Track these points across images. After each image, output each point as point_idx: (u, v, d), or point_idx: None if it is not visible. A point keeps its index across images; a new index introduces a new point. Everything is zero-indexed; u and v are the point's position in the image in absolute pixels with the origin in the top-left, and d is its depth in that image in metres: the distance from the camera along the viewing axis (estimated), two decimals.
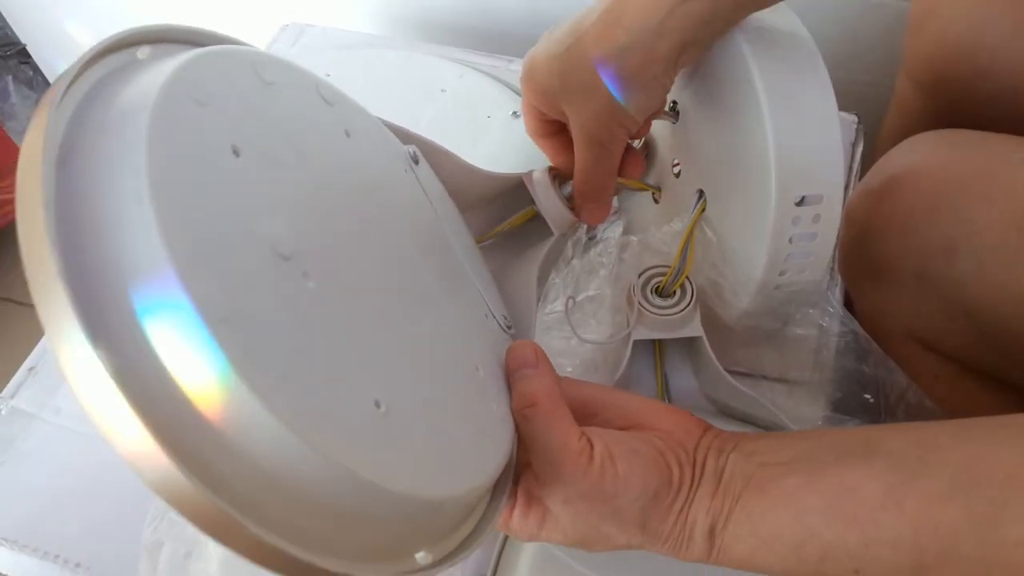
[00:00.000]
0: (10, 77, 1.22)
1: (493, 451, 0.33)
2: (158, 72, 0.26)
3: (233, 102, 0.28)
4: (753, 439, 0.35)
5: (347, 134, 0.35)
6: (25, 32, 1.15)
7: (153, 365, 0.22)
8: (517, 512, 0.35)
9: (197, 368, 0.22)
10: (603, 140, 0.42)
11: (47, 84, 1.23)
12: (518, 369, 0.36)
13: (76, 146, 0.24)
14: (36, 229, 0.22)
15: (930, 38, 0.56)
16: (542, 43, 0.43)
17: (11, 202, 1.12)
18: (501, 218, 0.49)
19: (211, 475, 0.22)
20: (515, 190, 0.47)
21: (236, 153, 0.27)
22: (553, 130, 0.46)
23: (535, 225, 0.48)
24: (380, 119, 0.41)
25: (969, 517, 0.28)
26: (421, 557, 0.28)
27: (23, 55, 1.20)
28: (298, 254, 0.27)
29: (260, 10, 0.97)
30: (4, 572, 0.52)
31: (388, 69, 0.68)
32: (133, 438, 0.21)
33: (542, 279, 0.51)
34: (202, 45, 0.30)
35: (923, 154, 0.51)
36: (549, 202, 0.46)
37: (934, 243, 0.47)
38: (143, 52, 0.29)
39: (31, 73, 1.23)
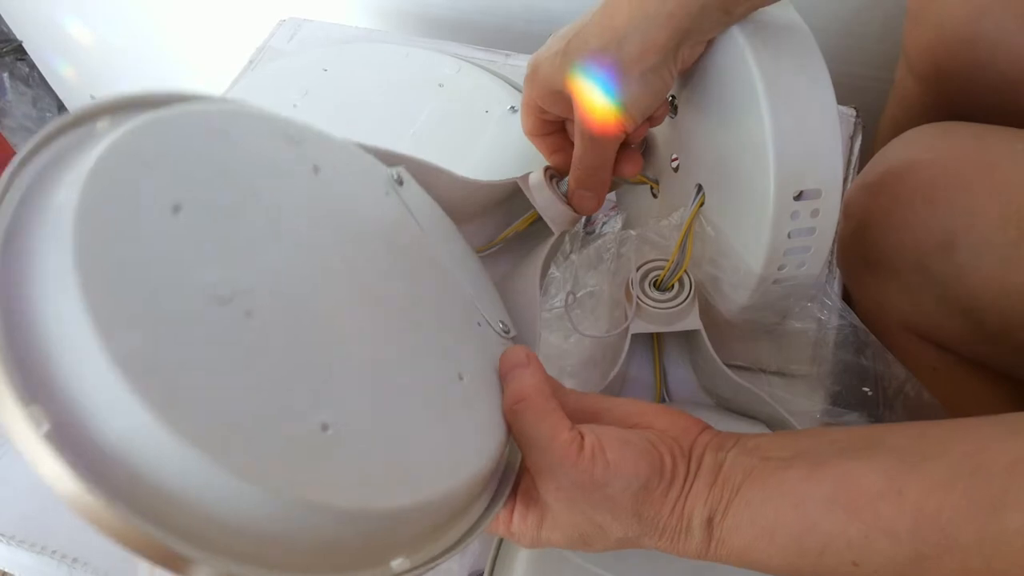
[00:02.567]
0: (6, 74, 1.21)
1: (471, 457, 0.34)
2: (98, 146, 0.28)
3: (177, 161, 0.30)
4: (754, 437, 0.35)
5: (315, 170, 0.36)
6: (21, 29, 1.15)
7: (87, 425, 0.24)
8: (516, 514, 0.36)
9: (126, 424, 0.23)
10: (600, 131, 0.43)
11: (43, 81, 1.22)
12: (509, 371, 0.37)
13: (21, 226, 0.26)
14: None
15: (929, 26, 0.56)
16: (546, 44, 0.44)
17: None
18: (507, 223, 0.49)
19: (166, 523, 0.24)
20: (518, 194, 0.48)
21: (176, 210, 0.28)
22: (550, 129, 0.47)
23: (541, 225, 0.48)
24: (362, 145, 0.41)
25: (970, 504, 0.28)
26: (398, 564, 0.30)
27: (19, 52, 1.19)
28: (241, 295, 0.28)
29: (257, 5, 0.97)
30: (2, 568, 0.52)
31: (386, 64, 0.68)
32: (81, 501, 0.23)
33: (544, 276, 0.51)
34: (164, 105, 0.32)
35: (921, 147, 0.51)
36: (546, 202, 0.47)
37: (932, 236, 0.47)
38: (103, 124, 0.30)
39: (27, 70, 1.23)
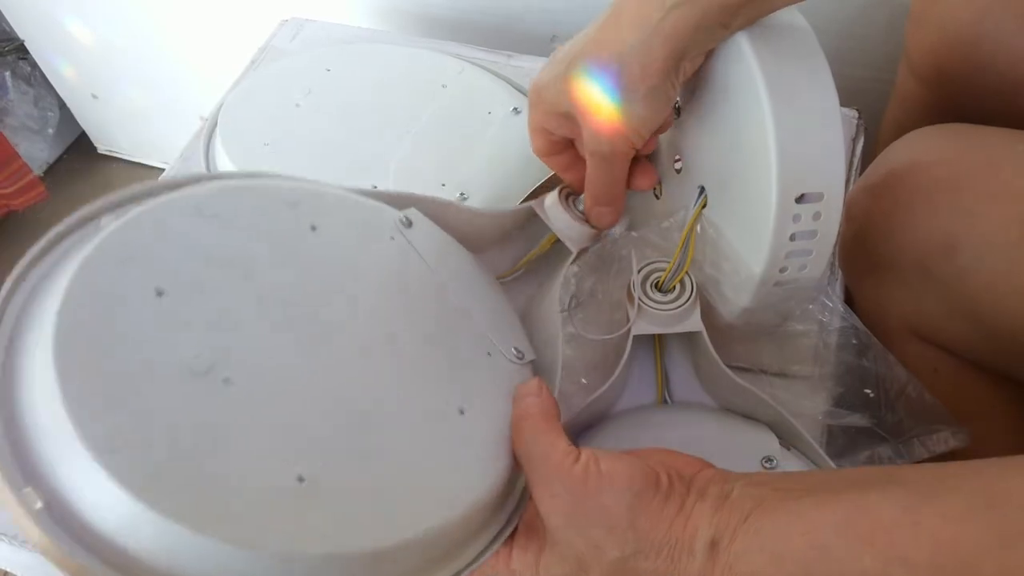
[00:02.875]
0: (8, 73, 1.21)
1: (467, 491, 0.35)
2: (88, 246, 0.30)
3: (162, 249, 0.32)
4: (762, 473, 0.35)
5: (312, 228, 0.37)
6: (22, 28, 1.15)
7: (73, 502, 0.26)
8: (517, 547, 0.37)
9: (104, 500, 0.26)
10: (610, 151, 0.43)
11: (44, 80, 1.22)
12: (521, 398, 0.39)
13: (24, 326, 0.29)
14: None
15: (931, 28, 0.56)
16: (547, 65, 0.44)
17: (5, 195, 1.12)
18: (530, 245, 0.49)
19: None
20: (537, 217, 0.48)
21: (160, 294, 0.30)
22: (560, 148, 0.48)
23: (563, 245, 0.49)
24: (371, 192, 0.42)
25: (989, 535, 0.27)
26: None
27: (21, 51, 1.19)
28: (219, 365, 0.30)
29: (259, 5, 0.97)
30: (3, 568, 0.52)
31: (389, 64, 0.68)
32: (68, 566, 0.25)
33: None
34: (164, 193, 0.33)
35: (923, 148, 0.51)
36: (563, 223, 0.47)
37: (934, 238, 0.47)
38: (107, 219, 0.32)
39: (29, 69, 1.23)
